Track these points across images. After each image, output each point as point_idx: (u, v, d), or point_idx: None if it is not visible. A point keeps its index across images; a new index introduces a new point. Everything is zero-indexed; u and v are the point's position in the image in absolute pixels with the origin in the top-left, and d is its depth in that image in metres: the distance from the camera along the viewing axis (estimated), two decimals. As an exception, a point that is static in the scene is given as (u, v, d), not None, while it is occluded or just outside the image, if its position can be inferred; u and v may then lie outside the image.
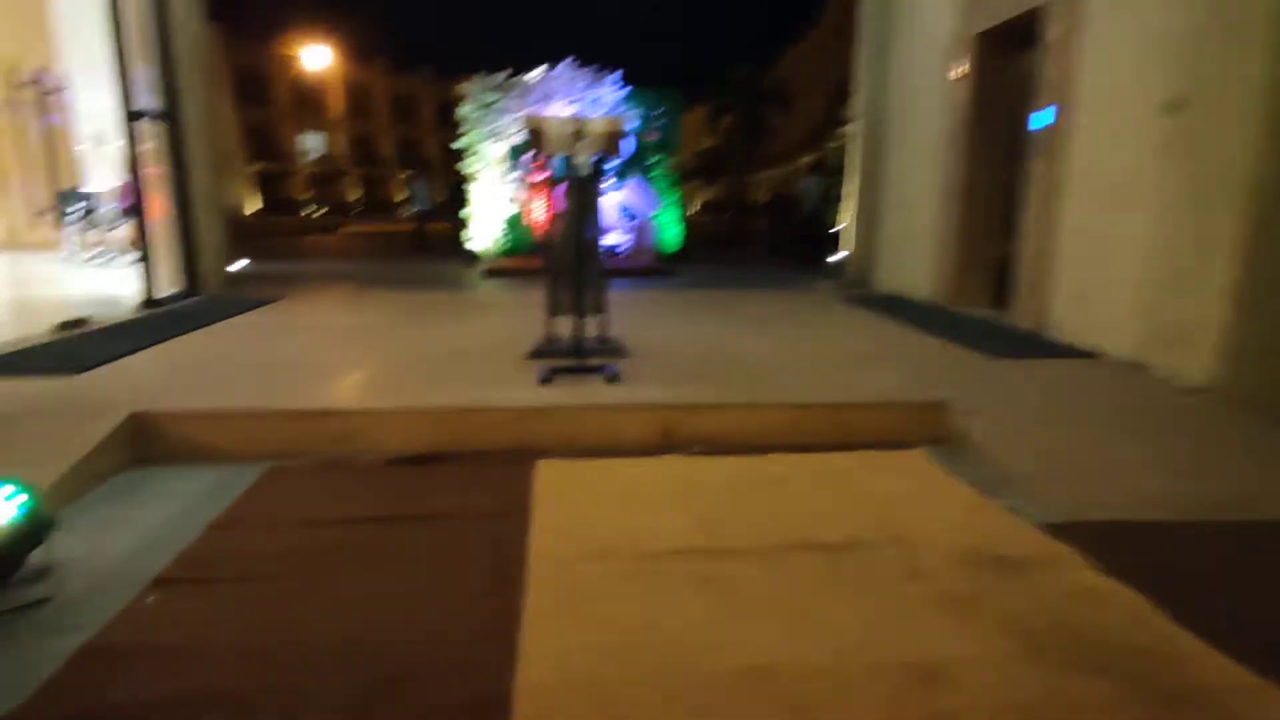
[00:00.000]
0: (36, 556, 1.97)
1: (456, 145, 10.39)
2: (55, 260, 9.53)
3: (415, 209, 13.67)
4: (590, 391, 3.39)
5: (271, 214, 35.70)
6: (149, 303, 5.78)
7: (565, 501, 2.51)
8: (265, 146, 39.21)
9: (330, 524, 2.34)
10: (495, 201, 10.43)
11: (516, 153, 10.32)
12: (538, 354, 3.96)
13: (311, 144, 40.45)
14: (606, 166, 10.96)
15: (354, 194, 41.79)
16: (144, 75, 5.86)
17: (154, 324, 5.02)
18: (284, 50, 37.72)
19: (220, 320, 5.19)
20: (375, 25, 66.47)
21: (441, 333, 5.07)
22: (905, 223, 6.85)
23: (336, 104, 41.40)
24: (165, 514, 2.43)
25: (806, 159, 34.07)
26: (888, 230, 7.30)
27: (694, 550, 2.17)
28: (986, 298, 6.00)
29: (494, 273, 9.20)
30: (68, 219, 9.68)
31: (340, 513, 2.44)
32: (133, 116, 5.73)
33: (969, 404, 3.25)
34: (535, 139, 3.64)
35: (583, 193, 3.55)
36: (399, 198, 40.24)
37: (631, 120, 10.23)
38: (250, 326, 5.18)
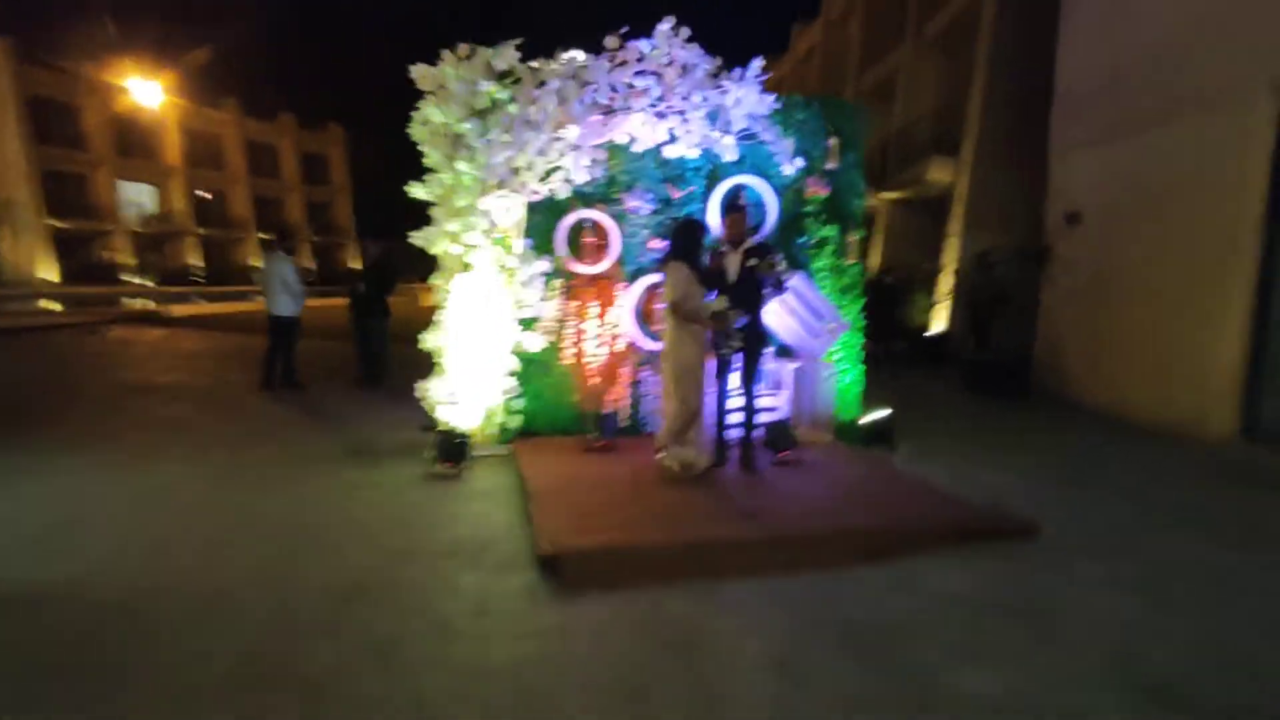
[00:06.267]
0: None
1: (413, 191, 4.60)
2: None
3: (357, 289, 7.15)
4: None
5: (77, 283, 27.27)
6: None
7: None
8: (72, 198, 30.69)
9: None
10: (496, 320, 4.69)
11: (544, 217, 4.76)
12: None
13: (138, 197, 32.17)
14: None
15: (195, 260, 33.66)
16: None
17: None
18: (104, 78, 29.77)
19: None
20: (228, 60, 54.76)
21: None
22: None
23: (173, 150, 33.49)
24: None
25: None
26: None
27: None
28: None
29: (585, 568, 2.86)
30: None
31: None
32: None
33: None
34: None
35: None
36: (255, 263, 32.87)
37: (786, 158, 4.98)
38: None
